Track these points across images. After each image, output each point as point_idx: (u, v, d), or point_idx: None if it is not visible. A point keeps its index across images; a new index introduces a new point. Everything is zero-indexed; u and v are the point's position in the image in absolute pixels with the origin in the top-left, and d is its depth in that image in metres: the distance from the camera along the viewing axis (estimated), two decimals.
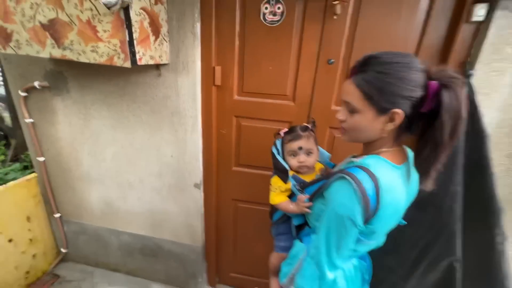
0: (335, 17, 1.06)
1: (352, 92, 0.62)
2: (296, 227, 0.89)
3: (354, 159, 0.68)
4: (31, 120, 1.49)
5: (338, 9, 1.03)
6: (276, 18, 1.14)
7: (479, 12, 0.94)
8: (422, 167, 0.61)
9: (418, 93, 0.56)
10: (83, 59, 1.00)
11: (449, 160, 0.61)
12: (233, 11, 1.17)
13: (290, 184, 0.87)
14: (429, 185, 0.61)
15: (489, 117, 1.02)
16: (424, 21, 1.05)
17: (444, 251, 1.07)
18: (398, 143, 0.67)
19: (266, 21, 1.15)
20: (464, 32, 1.00)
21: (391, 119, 0.60)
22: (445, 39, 1.05)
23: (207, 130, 1.36)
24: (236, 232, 1.64)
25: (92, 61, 1.00)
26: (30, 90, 1.42)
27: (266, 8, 1.13)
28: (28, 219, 1.68)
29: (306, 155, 0.88)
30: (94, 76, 1.33)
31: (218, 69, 1.25)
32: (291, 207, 0.85)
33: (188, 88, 1.25)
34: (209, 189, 1.50)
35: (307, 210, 0.77)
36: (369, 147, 0.69)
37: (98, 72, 1.31)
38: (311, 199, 0.76)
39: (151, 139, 1.40)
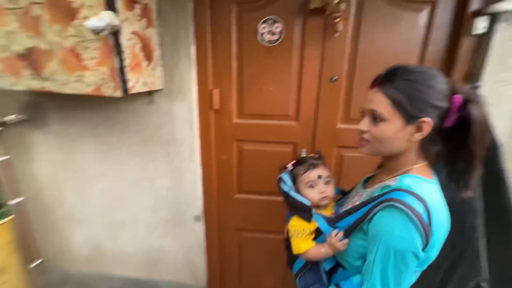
0: (336, 34, 1.03)
1: (379, 100, 0.59)
2: (327, 271, 0.77)
3: (390, 183, 0.61)
4: (7, 157, 1.33)
5: (340, 26, 1.00)
6: (275, 37, 1.10)
7: (480, 25, 0.94)
8: (462, 180, 0.61)
9: (445, 103, 0.56)
10: (66, 90, 0.90)
11: None
12: (229, 32, 1.11)
13: (316, 222, 0.75)
14: (470, 194, 0.61)
15: (500, 127, 1.00)
16: (424, 36, 1.04)
17: (470, 271, 1.01)
18: (423, 159, 0.64)
19: (264, 41, 1.11)
20: (466, 45, 0.99)
21: (419, 129, 0.58)
22: (447, 53, 1.04)
23: (206, 157, 1.26)
24: (241, 266, 1.50)
25: (77, 92, 0.89)
26: (5, 124, 1.27)
27: (264, 27, 1.09)
28: (3, 270, 1.47)
29: (326, 185, 0.79)
30: (79, 106, 1.21)
31: (216, 92, 1.17)
32: (322, 251, 0.72)
33: (184, 114, 1.16)
34: (210, 221, 1.38)
35: (343, 247, 0.66)
36: (394, 164, 0.65)
37: (83, 101, 1.19)
38: (347, 235, 0.66)
39: (144, 171, 1.28)
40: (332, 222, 0.72)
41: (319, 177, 0.78)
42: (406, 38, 1.04)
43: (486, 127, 0.57)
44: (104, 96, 0.89)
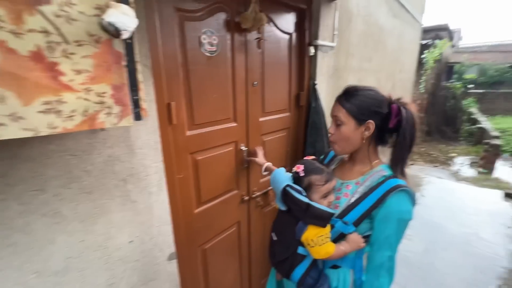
0: (259, 50, 1.35)
1: (339, 110, 0.84)
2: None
3: (381, 172, 0.84)
4: None
5: (261, 44, 1.33)
6: (214, 48, 1.18)
7: (311, 50, 1.71)
8: (400, 166, 0.83)
9: (384, 110, 0.81)
10: (16, 131, 0.45)
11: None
12: (173, 41, 1.02)
13: (330, 225, 0.81)
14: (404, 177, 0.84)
15: (322, 99, 1.90)
16: (289, 54, 1.65)
17: None
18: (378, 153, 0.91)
19: (206, 51, 1.15)
20: (307, 61, 1.74)
21: (367, 128, 0.82)
22: (299, 66, 1.74)
23: (171, 182, 1.07)
24: (208, 280, 1.45)
25: (43, 133, 0.49)
26: None
27: (204, 38, 1.13)
28: None
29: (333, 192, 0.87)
30: None
31: (173, 105, 1.03)
32: (342, 249, 0.80)
33: (147, 138, 0.92)
34: (184, 257, 1.19)
35: (363, 245, 0.81)
36: (362, 157, 0.88)
37: None
38: (357, 225, 0.80)
39: (87, 238, 0.83)
40: (341, 217, 0.82)
41: (334, 187, 0.85)
42: (283, 55, 1.60)
43: (413, 125, 0.79)
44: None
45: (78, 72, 0.51)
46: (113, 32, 0.50)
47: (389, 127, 0.81)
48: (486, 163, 5.25)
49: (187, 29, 1.06)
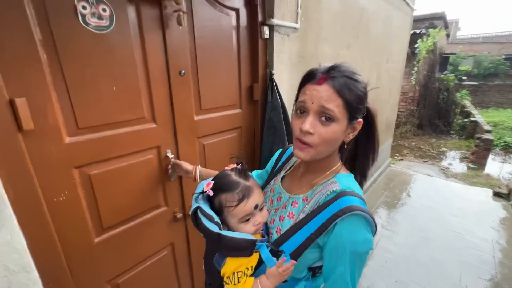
0: (180, 27, 1.01)
1: (332, 99, 0.54)
2: None
3: (332, 187, 0.61)
4: None
5: (182, 20, 0.99)
6: (104, 22, 0.85)
7: (265, 32, 1.38)
8: (364, 171, 0.69)
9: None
10: None
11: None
12: (22, 8, 0.69)
13: (257, 253, 0.61)
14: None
15: (283, 93, 1.58)
16: (236, 36, 1.32)
17: None
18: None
19: (90, 26, 0.82)
20: (260, 45, 1.41)
21: (354, 129, 0.60)
22: (250, 50, 1.41)
23: (30, 212, 0.76)
24: None
25: None
26: None
27: (84, 7, 0.80)
28: None
29: (261, 212, 0.65)
30: None
31: (20, 102, 0.71)
32: (267, 283, 0.59)
33: None
34: None
35: (289, 274, 0.59)
36: (323, 165, 0.65)
37: None
38: (296, 257, 0.59)
39: None
40: (276, 245, 0.61)
41: (256, 206, 0.62)
42: (226, 36, 1.27)
43: (376, 124, 0.64)
44: None
45: None
46: None
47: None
48: (476, 158, 5.05)
49: None
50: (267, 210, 0.71)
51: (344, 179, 0.62)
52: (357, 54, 2.39)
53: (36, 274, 0.79)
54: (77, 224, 0.92)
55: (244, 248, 0.59)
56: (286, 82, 1.58)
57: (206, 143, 1.31)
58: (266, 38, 1.41)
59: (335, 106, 0.55)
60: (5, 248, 0.71)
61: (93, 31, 0.83)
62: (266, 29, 1.37)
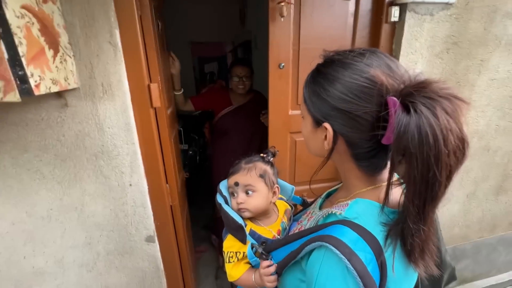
0: (282, 19, 1.01)
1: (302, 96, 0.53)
2: None
3: (337, 210, 0.47)
4: None
5: (284, 11, 0.98)
6: None
7: (395, 13, 1.10)
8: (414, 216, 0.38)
9: (365, 106, 0.40)
10: None
11: None
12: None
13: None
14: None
15: None
16: (353, 23, 1.14)
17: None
18: (374, 180, 0.48)
19: None
20: (385, 31, 1.15)
21: (325, 137, 0.46)
22: (371, 38, 1.18)
23: (151, 165, 1.05)
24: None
25: None
26: None
27: None
28: None
29: (245, 194, 0.65)
30: None
31: (154, 87, 0.97)
32: (252, 279, 0.59)
33: (116, 118, 0.92)
34: (166, 240, 1.18)
35: (270, 285, 0.55)
36: (344, 182, 0.54)
37: None
38: (279, 270, 0.53)
39: (65, 198, 0.97)
40: (267, 249, 0.58)
41: (236, 184, 0.66)
42: (339, 24, 1.13)
43: (430, 144, 0.35)
44: None
45: None
46: None
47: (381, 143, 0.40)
48: None
49: None
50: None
51: (356, 205, 0.45)
52: None
53: (150, 212, 1.09)
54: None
55: (234, 228, 0.62)
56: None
57: (298, 140, 1.26)
58: (395, 21, 1.12)
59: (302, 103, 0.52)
60: (134, 188, 1.02)
61: None
62: (395, 10, 1.09)
